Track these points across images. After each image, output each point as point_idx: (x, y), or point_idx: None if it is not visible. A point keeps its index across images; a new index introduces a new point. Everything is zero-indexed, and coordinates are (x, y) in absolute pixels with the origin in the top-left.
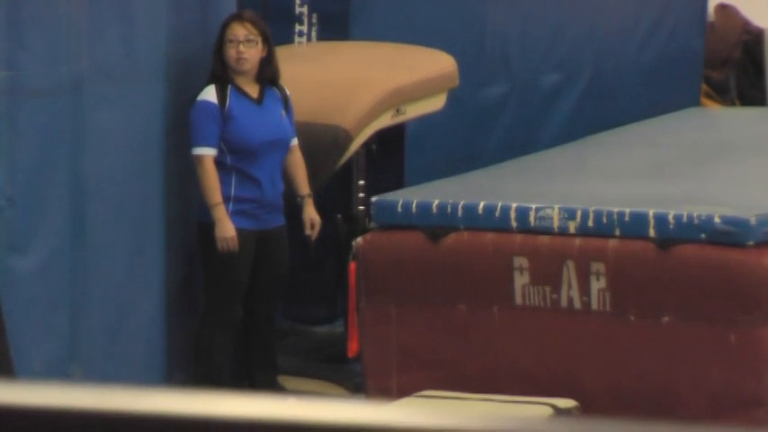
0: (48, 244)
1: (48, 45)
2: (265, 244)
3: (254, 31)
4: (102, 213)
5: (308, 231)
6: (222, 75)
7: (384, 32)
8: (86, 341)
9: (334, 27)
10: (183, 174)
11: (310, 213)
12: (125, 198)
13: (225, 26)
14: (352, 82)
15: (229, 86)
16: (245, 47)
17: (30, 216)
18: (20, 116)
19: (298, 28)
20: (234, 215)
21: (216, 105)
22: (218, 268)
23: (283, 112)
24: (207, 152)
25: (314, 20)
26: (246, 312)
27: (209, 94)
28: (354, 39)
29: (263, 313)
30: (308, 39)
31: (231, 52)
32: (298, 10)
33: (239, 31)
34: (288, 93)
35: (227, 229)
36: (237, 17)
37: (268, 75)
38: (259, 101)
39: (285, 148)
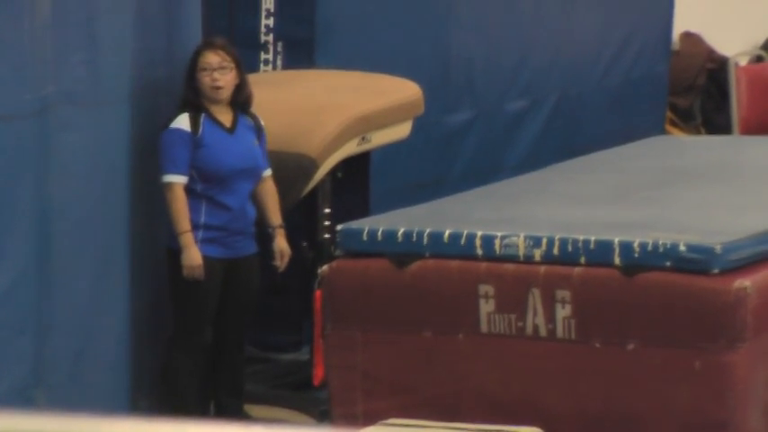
0: (12, 268)
1: (12, 70)
2: (236, 271)
3: (227, 57)
4: (67, 238)
5: (276, 262)
6: (195, 102)
7: (349, 60)
8: (51, 366)
9: (300, 55)
10: (149, 198)
11: (280, 244)
12: (90, 222)
13: (197, 54)
14: (318, 109)
15: (202, 114)
16: (220, 74)
17: None
18: None
19: (263, 56)
20: (203, 243)
21: (188, 133)
22: (186, 295)
23: (255, 141)
24: (177, 179)
25: (279, 48)
26: (215, 339)
27: (182, 122)
28: (320, 67)
29: (232, 340)
30: (274, 67)
31: (206, 80)
32: (263, 38)
33: (212, 58)
34: (262, 122)
35: (193, 257)
36: (210, 45)
37: (240, 100)
38: (231, 129)
39: (256, 176)
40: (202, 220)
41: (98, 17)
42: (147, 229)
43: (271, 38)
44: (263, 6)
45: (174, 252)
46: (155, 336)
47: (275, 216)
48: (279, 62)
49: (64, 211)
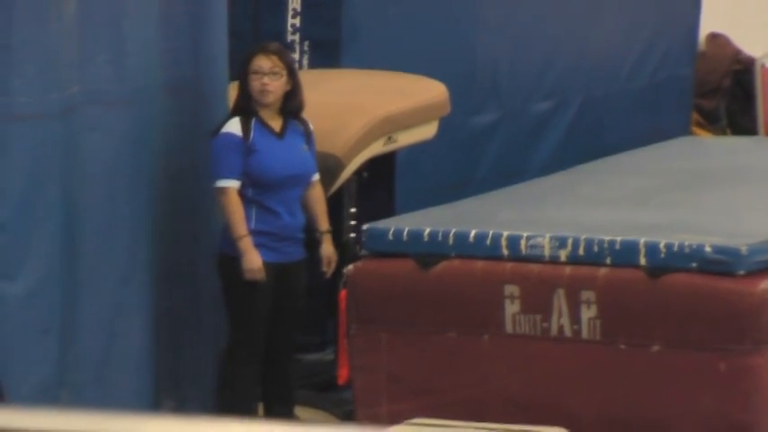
0: (38, 269)
1: (39, 70)
2: (285, 277)
3: (280, 63)
4: (92, 239)
5: (324, 267)
6: (246, 107)
7: (375, 60)
8: (76, 367)
9: (326, 55)
10: (174, 198)
11: (328, 250)
12: (115, 223)
13: (250, 58)
14: (344, 109)
15: (253, 119)
16: (270, 79)
17: (20, 242)
18: (10, 141)
19: None
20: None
21: (240, 138)
22: (243, 302)
23: (305, 147)
24: (231, 184)
25: (306, 48)
26: (266, 347)
27: (233, 126)
28: (346, 67)
29: (284, 348)
30: (300, 66)
31: (255, 84)
32: (289, 38)
33: (264, 63)
34: (311, 127)
35: (253, 260)
36: (263, 49)
37: (291, 108)
38: (281, 134)
39: (305, 182)
40: (252, 225)
41: (123, 17)
42: (172, 230)
43: (297, 37)
44: (290, 6)
45: (228, 258)
46: (178, 337)
47: (323, 221)
48: (305, 62)
49: (89, 212)
